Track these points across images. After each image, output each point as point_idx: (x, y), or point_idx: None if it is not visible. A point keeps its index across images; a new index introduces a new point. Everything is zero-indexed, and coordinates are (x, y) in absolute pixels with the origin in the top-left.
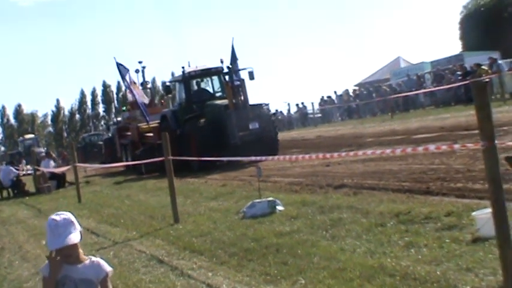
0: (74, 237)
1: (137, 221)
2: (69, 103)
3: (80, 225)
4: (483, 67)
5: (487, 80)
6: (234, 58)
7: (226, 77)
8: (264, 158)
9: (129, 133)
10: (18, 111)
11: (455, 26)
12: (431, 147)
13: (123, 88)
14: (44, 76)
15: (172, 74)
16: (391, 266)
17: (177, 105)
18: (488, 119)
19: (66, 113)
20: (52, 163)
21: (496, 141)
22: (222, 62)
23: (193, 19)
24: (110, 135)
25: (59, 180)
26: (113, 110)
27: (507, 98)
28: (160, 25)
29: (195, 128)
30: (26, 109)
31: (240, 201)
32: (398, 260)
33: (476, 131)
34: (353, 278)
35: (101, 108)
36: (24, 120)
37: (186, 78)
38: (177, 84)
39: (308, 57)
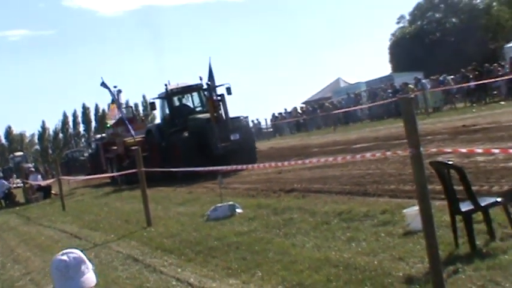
0: (90, 279)
1: (114, 225)
2: (53, 124)
3: (89, 262)
4: (409, 85)
5: (413, 96)
6: (211, 75)
7: (206, 93)
8: (240, 167)
9: (114, 147)
10: (8, 132)
11: (385, 50)
12: (368, 154)
13: (107, 107)
14: (31, 101)
15: (143, 97)
16: (335, 258)
17: (161, 120)
18: (414, 130)
19: (51, 132)
20: (39, 177)
21: (421, 149)
22: (201, 79)
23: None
24: (92, 150)
25: (46, 192)
26: (92, 128)
27: (430, 112)
28: (133, 52)
29: (180, 140)
30: (15, 130)
31: (204, 205)
32: (341, 253)
33: (405, 140)
34: (303, 270)
35: (81, 128)
36: (14, 140)
37: (169, 95)
38: (161, 101)
39: (261, 79)
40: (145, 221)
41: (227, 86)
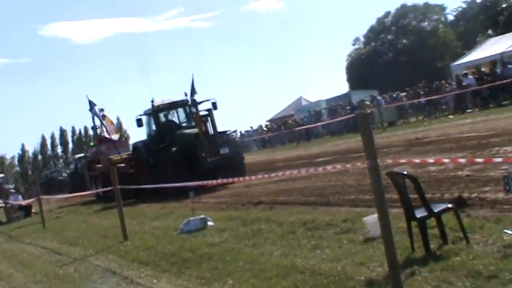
0: None
1: (93, 240)
2: (32, 146)
3: None
4: (366, 102)
5: (369, 112)
6: (193, 90)
7: (192, 108)
8: (227, 180)
9: (98, 165)
10: None
11: (343, 70)
12: (329, 167)
13: (91, 125)
14: (10, 125)
15: (118, 118)
16: (301, 265)
17: (147, 136)
18: (371, 143)
19: (30, 154)
20: (20, 197)
21: (378, 160)
22: (186, 95)
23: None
24: (71, 170)
25: (26, 211)
26: (70, 150)
27: (385, 126)
28: (108, 76)
29: (168, 156)
30: None
31: (177, 219)
32: (307, 260)
33: (363, 153)
34: (271, 277)
35: (59, 149)
36: None
37: (155, 111)
38: (147, 117)
39: (227, 98)
40: (122, 235)
41: (213, 101)
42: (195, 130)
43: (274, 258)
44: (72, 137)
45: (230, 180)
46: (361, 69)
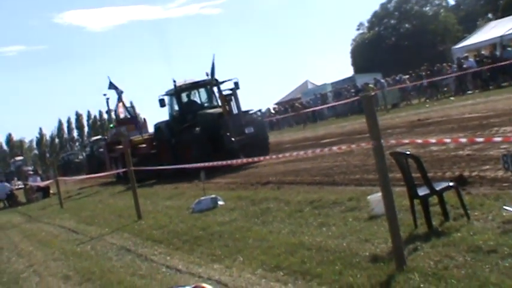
0: None
1: (108, 219)
2: (49, 130)
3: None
4: (370, 85)
5: (373, 94)
6: (213, 71)
7: (214, 88)
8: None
9: (119, 146)
10: (9, 139)
11: (347, 54)
12: (334, 148)
13: (114, 106)
14: (29, 110)
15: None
16: (308, 242)
17: (169, 117)
18: (375, 124)
19: (48, 138)
20: (38, 178)
21: (382, 141)
22: (207, 75)
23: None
24: (88, 152)
25: (44, 192)
26: (85, 133)
27: (389, 108)
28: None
29: (191, 136)
30: (15, 137)
31: (189, 199)
32: (314, 237)
33: (367, 134)
34: (280, 254)
35: (75, 133)
36: (14, 146)
37: (178, 91)
38: (169, 98)
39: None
40: (136, 215)
41: (235, 80)
42: (219, 110)
43: (282, 235)
44: (88, 121)
45: (255, 159)
46: (365, 53)
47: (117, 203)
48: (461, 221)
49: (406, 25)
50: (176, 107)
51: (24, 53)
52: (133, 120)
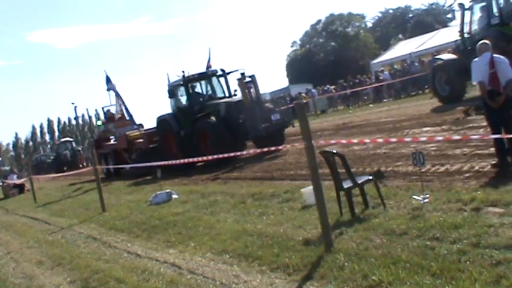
0: None
1: (77, 212)
2: (24, 135)
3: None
4: (302, 94)
5: (305, 102)
6: (208, 62)
7: (221, 79)
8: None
9: (109, 143)
10: None
11: (283, 68)
12: (273, 148)
13: (110, 95)
14: (5, 117)
15: (95, 110)
16: (250, 229)
17: (175, 108)
18: (307, 127)
19: (23, 141)
20: (15, 177)
21: (312, 142)
22: (210, 66)
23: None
24: (55, 153)
25: (20, 188)
26: (56, 137)
27: (318, 114)
28: (87, 75)
29: (208, 125)
30: None
31: (147, 193)
32: (255, 225)
33: (300, 136)
34: (226, 239)
35: (47, 137)
36: None
37: (186, 82)
38: (177, 88)
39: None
40: (101, 207)
41: (241, 71)
42: (235, 98)
43: (228, 224)
44: (58, 126)
45: (272, 148)
46: (298, 67)
47: (84, 197)
48: (378, 209)
49: (332, 43)
50: (184, 98)
51: (2, 68)
52: (127, 118)
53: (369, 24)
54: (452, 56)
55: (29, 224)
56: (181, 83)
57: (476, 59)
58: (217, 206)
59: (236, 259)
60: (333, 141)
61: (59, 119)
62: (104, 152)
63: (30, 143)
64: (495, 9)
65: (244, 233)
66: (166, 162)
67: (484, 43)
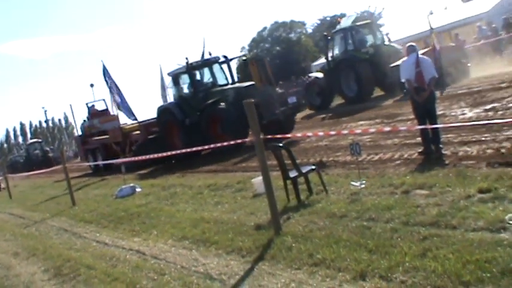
0: None
1: (49, 207)
2: None
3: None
4: None
5: (253, 101)
6: (203, 53)
7: (223, 66)
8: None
9: (96, 138)
10: None
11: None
12: (225, 143)
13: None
14: None
15: (64, 113)
16: (207, 217)
17: (177, 97)
18: (256, 125)
19: None
20: None
21: (261, 137)
22: (210, 54)
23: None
24: (25, 154)
25: None
26: (29, 139)
27: None
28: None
29: (221, 112)
30: None
31: (113, 188)
32: (211, 213)
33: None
34: (185, 227)
35: (20, 139)
36: None
37: (190, 69)
38: (180, 76)
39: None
40: (71, 202)
41: (244, 58)
42: (245, 83)
43: (187, 213)
44: (30, 129)
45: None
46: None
47: (56, 193)
48: (321, 195)
49: (277, 48)
50: (187, 86)
51: None
52: (104, 112)
53: (309, 30)
54: (321, 74)
55: (5, 219)
56: (185, 70)
57: (404, 59)
58: (177, 197)
59: (195, 244)
60: (278, 136)
61: (30, 122)
62: (91, 147)
63: (5, 145)
64: (350, 39)
65: (202, 220)
66: (167, 153)
67: (411, 45)
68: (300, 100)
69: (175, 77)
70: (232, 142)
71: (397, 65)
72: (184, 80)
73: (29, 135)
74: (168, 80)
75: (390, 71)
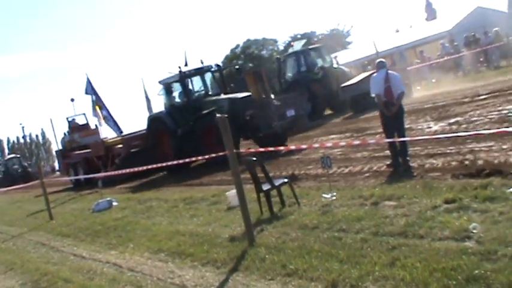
0: None
1: (26, 221)
2: None
3: None
4: None
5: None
6: (186, 64)
7: (215, 75)
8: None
9: (78, 152)
10: None
11: None
12: (200, 158)
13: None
14: None
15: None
16: (183, 229)
17: (168, 107)
18: (230, 139)
19: None
20: None
21: (235, 151)
22: (202, 62)
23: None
24: (3, 169)
25: None
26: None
27: None
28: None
29: (214, 122)
30: None
31: (90, 202)
32: (186, 226)
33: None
34: (161, 240)
35: None
36: None
37: (183, 78)
38: (171, 85)
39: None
40: (48, 216)
41: (237, 67)
42: (240, 94)
43: (163, 226)
44: (8, 144)
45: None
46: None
47: (33, 207)
48: (294, 207)
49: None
50: (179, 95)
51: None
52: (85, 127)
53: (281, 47)
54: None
55: None
56: (177, 79)
57: (374, 75)
58: (153, 210)
59: (171, 257)
60: (252, 150)
61: (8, 138)
62: (72, 161)
63: None
64: (303, 61)
65: (177, 233)
66: (156, 166)
67: (381, 61)
68: (298, 113)
69: (167, 85)
70: (221, 154)
71: (348, 85)
72: (176, 88)
73: (6, 151)
74: (155, 90)
75: (342, 90)
